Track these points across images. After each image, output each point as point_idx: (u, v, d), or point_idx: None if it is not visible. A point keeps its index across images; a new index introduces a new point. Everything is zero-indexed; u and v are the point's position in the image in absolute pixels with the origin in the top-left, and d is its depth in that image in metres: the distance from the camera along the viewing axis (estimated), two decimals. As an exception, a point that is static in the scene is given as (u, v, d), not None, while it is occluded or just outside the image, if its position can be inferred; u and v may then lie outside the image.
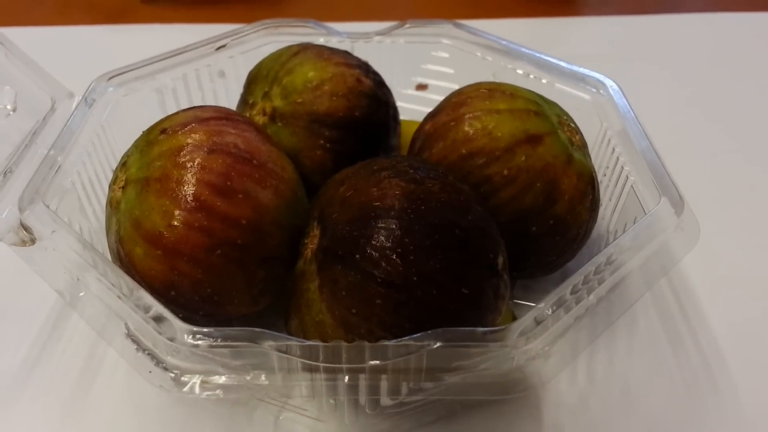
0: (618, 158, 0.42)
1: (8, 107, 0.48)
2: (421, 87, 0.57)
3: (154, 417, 0.39)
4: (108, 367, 0.41)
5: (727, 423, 0.38)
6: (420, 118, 0.44)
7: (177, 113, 0.39)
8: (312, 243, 0.35)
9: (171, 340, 0.30)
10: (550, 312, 0.30)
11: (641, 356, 0.41)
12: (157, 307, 0.31)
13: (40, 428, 0.38)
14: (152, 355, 0.31)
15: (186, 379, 0.31)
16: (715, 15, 0.83)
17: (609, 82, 0.45)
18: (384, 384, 0.31)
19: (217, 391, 0.31)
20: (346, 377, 0.30)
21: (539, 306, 0.30)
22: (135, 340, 0.31)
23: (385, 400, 0.34)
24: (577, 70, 0.47)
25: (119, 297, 0.31)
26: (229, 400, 0.38)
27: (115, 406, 0.39)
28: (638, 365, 0.41)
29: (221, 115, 0.38)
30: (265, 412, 0.38)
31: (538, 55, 0.49)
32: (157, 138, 0.37)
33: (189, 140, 0.36)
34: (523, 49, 0.49)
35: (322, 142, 0.42)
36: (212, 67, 0.51)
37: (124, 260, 0.35)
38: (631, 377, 0.40)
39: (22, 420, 0.39)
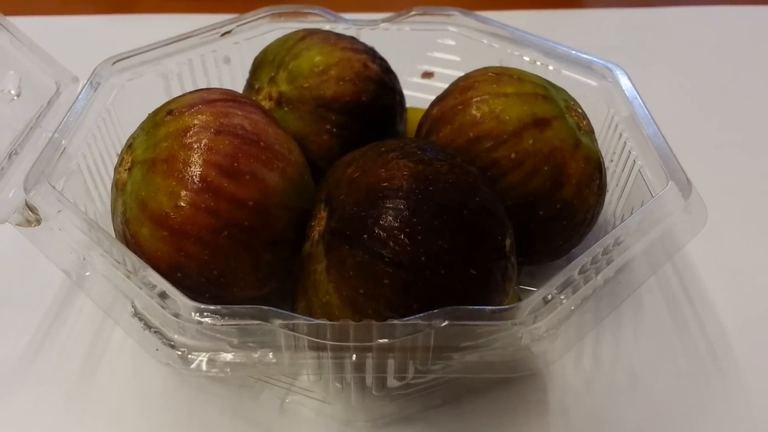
0: (625, 143, 0.42)
1: (12, 92, 0.47)
2: (427, 75, 0.57)
3: (159, 401, 0.39)
4: (113, 352, 0.41)
5: (733, 408, 0.38)
6: (426, 106, 0.44)
7: (184, 95, 0.39)
8: (319, 225, 0.35)
9: (178, 317, 0.29)
10: (558, 292, 0.30)
11: (647, 341, 0.41)
12: (164, 285, 0.31)
13: (45, 412, 0.38)
14: (159, 333, 0.31)
15: (193, 356, 0.31)
16: (720, 8, 0.82)
17: (616, 69, 0.45)
18: (391, 363, 0.31)
19: (225, 369, 0.31)
20: (354, 356, 0.30)
21: (547, 285, 0.30)
22: (142, 319, 0.31)
23: (392, 382, 0.34)
24: (584, 57, 0.47)
25: (126, 276, 0.31)
26: (235, 383, 0.39)
27: (120, 390, 0.39)
28: (644, 350, 0.41)
29: (228, 97, 0.38)
30: (271, 394, 0.38)
31: (544, 42, 0.49)
32: (164, 119, 0.37)
33: (196, 121, 0.36)
34: (530, 37, 0.49)
35: (328, 126, 0.42)
36: (218, 53, 0.50)
37: (131, 242, 0.35)
38: (637, 362, 0.40)
39: (27, 404, 0.39)
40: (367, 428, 0.37)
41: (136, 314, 0.31)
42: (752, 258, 0.48)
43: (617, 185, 0.44)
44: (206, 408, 0.38)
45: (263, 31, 0.51)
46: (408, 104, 0.48)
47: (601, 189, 0.40)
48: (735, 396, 0.39)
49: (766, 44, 0.75)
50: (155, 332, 0.31)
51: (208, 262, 0.34)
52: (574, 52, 0.47)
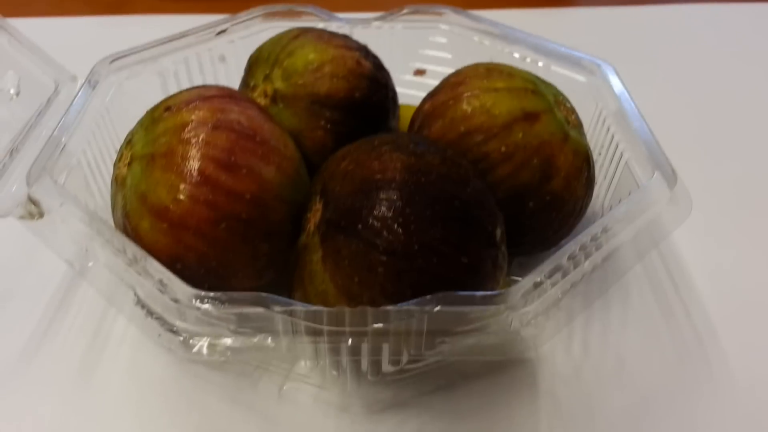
0: (613, 137, 0.43)
1: (12, 91, 0.48)
2: (419, 72, 0.58)
3: (159, 389, 0.39)
4: (113, 343, 0.42)
5: (718, 393, 0.39)
6: (418, 103, 0.45)
7: (181, 92, 0.40)
8: (314, 217, 0.36)
9: (178, 304, 0.30)
10: (547, 277, 0.31)
11: (634, 328, 0.42)
12: (165, 273, 0.31)
13: (48, 401, 0.39)
14: (161, 320, 0.32)
15: (194, 341, 0.32)
16: (709, 6, 0.84)
17: (604, 65, 0.46)
18: (386, 348, 0.32)
19: (226, 353, 0.32)
20: (350, 340, 0.31)
21: (536, 271, 0.31)
22: (144, 306, 0.32)
23: (387, 367, 0.35)
24: (573, 53, 0.48)
25: (127, 265, 0.32)
26: (234, 371, 0.39)
27: (121, 379, 0.40)
28: (631, 337, 0.42)
29: (224, 93, 0.39)
30: (269, 382, 0.39)
31: (535, 39, 0.50)
32: (162, 115, 0.37)
33: (193, 117, 0.37)
34: (520, 34, 0.50)
35: (322, 122, 0.43)
36: (213, 51, 0.51)
37: (131, 234, 0.36)
38: (624, 348, 0.41)
39: (30, 393, 0.39)
40: (363, 414, 0.38)
41: (139, 302, 0.32)
42: (737, 248, 0.49)
43: (605, 178, 0.45)
44: (205, 396, 0.39)
45: (258, 30, 0.52)
46: (401, 101, 0.49)
47: (590, 181, 0.42)
48: (719, 380, 0.40)
49: (755, 41, 0.77)
50: (157, 319, 0.32)
51: (207, 254, 0.35)
52: (563, 48, 0.48)
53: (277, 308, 0.30)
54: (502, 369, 0.40)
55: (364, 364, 0.35)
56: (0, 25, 0.48)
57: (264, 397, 0.39)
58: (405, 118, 0.47)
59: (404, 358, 0.35)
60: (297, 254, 0.37)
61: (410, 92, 0.52)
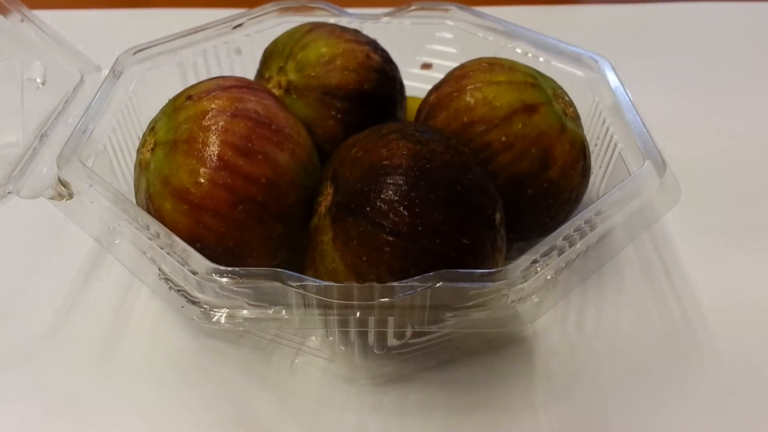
0: (608, 129, 0.46)
1: (38, 80, 0.51)
2: (426, 66, 0.60)
3: (179, 361, 0.42)
4: (136, 318, 0.44)
5: (705, 367, 0.42)
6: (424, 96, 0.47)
7: (201, 82, 0.42)
8: (326, 200, 0.38)
9: (199, 278, 0.33)
10: (543, 256, 0.33)
11: (626, 309, 0.45)
12: (186, 249, 0.34)
13: (73, 374, 0.41)
14: (183, 292, 0.34)
15: (214, 312, 0.35)
16: (709, 4, 0.86)
17: (602, 61, 0.48)
18: (391, 321, 0.35)
19: (244, 324, 0.35)
20: (357, 313, 0.33)
21: (533, 250, 0.33)
22: (168, 280, 0.34)
23: (392, 341, 0.37)
24: (573, 49, 0.50)
25: (151, 242, 0.35)
26: (249, 345, 0.42)
27: (143, 351, 0.42)
28: (623, 317, 0.44)
29: (242, 84, 0.41)
30: (281, 355, 0.42)
31: (536, 35, 0.52)
32: (184, 104, 0.40)
33: (213, 105, 0.39)
34: (523, 30, 0.52)
35: (333, 113, 0.45)
36: (230, 45, 0.54)
37: (154, 215, 0.38)
38: (617, 328, 0.44)
39: (56, 367, 0.42)
40: (369, 386, 0.40)
41: (163, 276, 0.35)
42: (724, 233, 0.51)
43: (600, 167, 0.47)
44: (222, 368, 0.41)
45: (272, 25, 0.54)
46: (408, 94, 0.51)
47: (586, 170, 0.44)
48: (706, 355, 0.42)
49: (753, 39, 0.78)
50: (179, 291, 0.34)
51: (225, 234, 0.37)
52: (563, 44, 0.50)
53: (291, 283, 0.32)
54: (500, 346, 0.42)
55: (371, 337, 0.38)
56: (26, 17, 0.50)
57: (276, 370, 0.41)
58: (412, 110, 0.49)
59: (408, 332, 0.37)
60: (309, 235, 0.39)
61: (417, 85, 0.54)
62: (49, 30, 0.51)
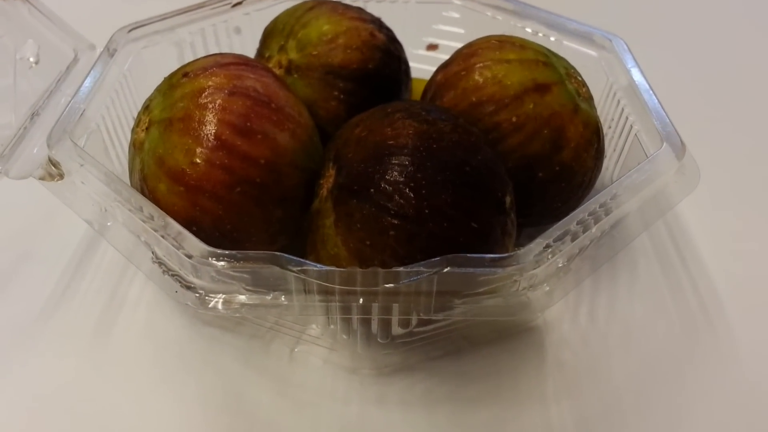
0: (623, 110, 0.44)
1: (31, 59, 0.49)
2: (432, 47, 0.58)
3: (174, 350, 0.40)
4: (130, 304, 0.43)
5: (722, 362, 0.40)
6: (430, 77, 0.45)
7: (198, 59, 0.40)
8: (327, 182, 0.37)
9: (194, 261, 0.31)
10: (555, 241, 0.32)
11: (640, 299, 0.43)
12: (181, 231, 0.32)
13: (65, 361, 0.40)
14: (178, 277, 0.33)
15: (210, 298, 0.33)
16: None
17: (616, 40, 0.46)
18: (396, 308, 0.33)
19: (241, 310, 0.33)
20: (360, 299, 0.31)
21: (545, 234, 0.32)
22: (162, 264, 0.33)
23: (397, 329, 0.36)
24: (585, 28, 0.48)
25: (145, 223, 0.33)
26: (247, 334, 0.40)
27: (137, 340, 0.41)
28: (637, 307, 0.43)
29: (241, 61, 0.40)
30: (281, 344, 0.40)
31: (547, 14, 0.50)
32: (180, 81, 0.38)
33: (210, 83, 0.37)
34: (533, 9, 0.50)
35: (336, 93, 0.44)
36: (229, 23, 0.52)
37: (148, 197, 0.37)
38: (631, 319, 0.42)
39: (48, 353, 0.41)
40: (372, 376, 0.39)
41: (156, 260, 0.33)
42: (743, 220, 0.50)
43: (614, 150, 0.45)
44: (219, 357, 0.40)
45: (273, 3, 0.52)
46: (413, 75, 0.49)
47: (599, 153, 0.42)
48: (723, 349, 0.41)
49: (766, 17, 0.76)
50: (174, 276, 0.33)
51: (222, 217, 0.36)
52: (575, 23, 0.48)
53: (291, 267, 0.31)
54: (509, 335, 0.41)
55: (374, 326, 0.36)
56: (20, -5, 0.49)
57: (276, 359, 0.40)
58: (417, 92, 0.47)
59: (413, 321, 0.36)
60: (310, 219, 0.38)
61: (422, 67, 0.53)
62: (43, 8, 0.50)
